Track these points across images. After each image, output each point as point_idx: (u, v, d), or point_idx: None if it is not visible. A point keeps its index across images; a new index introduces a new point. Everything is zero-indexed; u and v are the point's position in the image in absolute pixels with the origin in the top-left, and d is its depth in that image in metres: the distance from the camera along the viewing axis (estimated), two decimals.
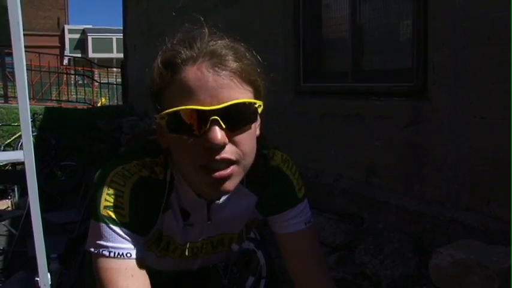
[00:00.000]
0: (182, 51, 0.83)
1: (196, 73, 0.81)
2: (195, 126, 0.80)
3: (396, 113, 2.99)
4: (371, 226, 3.10)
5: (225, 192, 0.87)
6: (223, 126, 0.79)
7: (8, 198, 5.66)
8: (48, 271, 1.96)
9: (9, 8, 1.47)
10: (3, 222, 4.45)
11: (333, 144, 3.55)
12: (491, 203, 2.42)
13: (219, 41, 0.85)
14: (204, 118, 0.79)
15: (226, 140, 0.80)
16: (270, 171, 1.03)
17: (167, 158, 0.95)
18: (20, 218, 4.12)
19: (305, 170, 3.68)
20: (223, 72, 0.81)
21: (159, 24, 7.50)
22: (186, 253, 1.06)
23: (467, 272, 2.07)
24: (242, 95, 0.82)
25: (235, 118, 0.81)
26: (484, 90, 2.43)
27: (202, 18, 0.90)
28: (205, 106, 0.79)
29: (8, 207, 5.45)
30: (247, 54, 0.87)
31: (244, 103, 0.82)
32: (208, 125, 0.79)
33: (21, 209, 4.47)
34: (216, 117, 0.79)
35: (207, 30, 0.87)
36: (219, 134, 0.78)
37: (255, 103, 0.84)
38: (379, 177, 3.15)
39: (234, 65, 0.82)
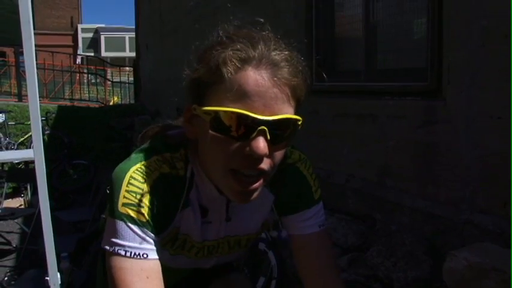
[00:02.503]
0: (244, 50, 0.81)
1: (257, 78, 0.79)
2: (242, 131, 0.79)
3: (410, 113, 2.95)
4: (384, 227, 3.06)
5: (247, 201, 0.86)
6: (268, 138, 0.79)
7: (21, 196, 5.73)
8: (59, 270, 1.96)
9: (19, 6, 1.47)
10: (16, 220, 4.50)
11: (345, 144, 3.51)
12: (508, 205, 2.37)
13: (283, 52, 0.83)
14: (253, 126, 0.78)
15: (268, 152, 0.79)
16: (287, 170, 1.02)
17: (188, 153, 0.93)
18: (32, 216, 4.16)
19: (317, 170, 3.61)
20: (281, 85, 0.80)
21: (172, 22, 7.51)
22: (202, 252, 1.04)
23: (483, 276, 2.03)
24: (290, 110, 0.82)
25: (280, 132, 0.81)
26: (501, 90, 2.37)
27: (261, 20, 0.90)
28: (257, 114, 0.78)
29: (21, 205, 5.51)
30: (304, 71, 0.87)
31: (292, 119, 0.82)
32: (255, 134, 0.78)
33: (34, 207, 4.52)
34: (265, 127, 0.78)
35: (272, 36, 0.86)
36: (263, 144, 0.78)
37: (299, 120, 0.84)
38: (392, 178, 3.10)
39: (292, 80, 0.82)
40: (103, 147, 7.58)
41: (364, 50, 3.40)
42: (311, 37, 3.84)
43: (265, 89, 0.79)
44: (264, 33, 0.86)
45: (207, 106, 0.81)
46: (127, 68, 15.19)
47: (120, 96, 13.67)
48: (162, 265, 0.88)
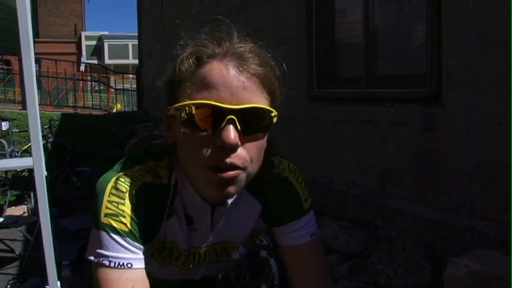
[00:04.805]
0: (210, 47, 0.84)
1: (221, 69, 0.81)
2: (211, 122, 0.79)
3: (410, 119, 2.95)
4: (384, 234, 3.05)
5: (227, 196, 0.86)
6: (239, 128, 0.79)
7: (25, 204, 5.73)
8: (60, 278, 1.97)
9: (18, 17, 1.49)
10: (19, 228, 4.51)
11: (346, 151, 3.51)
12: (509, 211, 2.36)
13: (247, 45, 0.85)
14: (221, 116, 0.78)
15: (239, 142, 0.79)
16: (276, 180, 1.01)
17: (172, 161, 0.94)
18: (35, 224, 4.16)
19: (318, 177, 3.65)
20: (248, 74, 0.81)
21: (174, 30, 7.54)
22: (189, 260, 1.04)
23: (484, 284, 2.02)
24: (261, 100, 0.82)
25: (251, 122, 0.81)
26: (500, 96, 2.37)
27: (226, 20, 0.92)
28: (225, 104, 0.78)
29: (24, 212, 5.52)
30: (272, 63, 0.87)
31: (262, 109, 0.82)
32: (224, 124, 0.78)
33: (37, 215, 4.52)
34: (233, 116, 0.78)
35: (236, 33, 0.87)
36: (233, 133, 0.78)
37: (272, 112, 0.84)
38: (393, 184, 3.10)
39: (258, 69, 0.82)
40: (106, 155, 7.58)
41: (364, 57, 3.41)
42: (311, 44, 3.85)
43: (230, 79, 0.80)
44: (229, 31, 0.88)
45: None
46: (130, 75, 15.27)
47: (123, 104, 13.73)
48: (151, 277, 0.88)
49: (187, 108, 0.80)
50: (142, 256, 0.88)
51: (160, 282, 1.02)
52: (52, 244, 1.70)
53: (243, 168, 0.82)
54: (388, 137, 3.11)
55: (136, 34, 10.94)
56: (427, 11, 2.81)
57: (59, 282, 1.83)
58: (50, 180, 1.71)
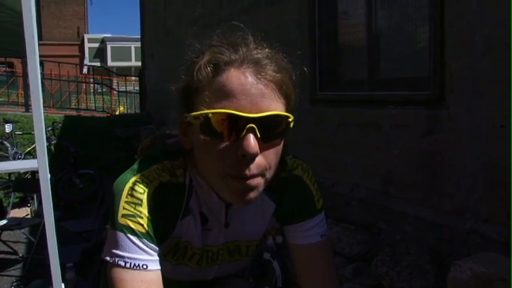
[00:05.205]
0: (227, 54, 0.83)
1: (240, 77, 0.80)
2: (231, 131, 0.79)
3: (413, 122, 2.95)
4: (388, 237, 3.05)
5: (248, 202, 0.86)
6: (258, 136, 0.79)
7: (28, 206, 5.75)
8: (63, 280, 1.97)
9: (24, 21, 1.49)
10: (22, 230, 4.52)
11: (349, 154, 3.51)
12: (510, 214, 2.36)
13: (264, 50, 0.85)
14: (240, 124, 0.79)
15: (259, 150, 0.79)
16: (290, 179, 1.02)
17: (186, 160, 0.94)
18: (38, 226, 4.17)
19: (321, 180, 3.64)
20: (265, 81, 0.81)
21: (176, 32, 7.56)
22: (203, 259, 1.04)
23: (488, 287, 2.01)
24: (278, 106, 0.83)
25: (270, 129, 0.81)
26: (503, 98, 2.37)
27: (242, 25, 0.91)
28: (244, 112, 0.78)
29: (28, 214, 5.53)
30: (288, 67, 0.88)
31: (280, 116, 0.82)
32: (244, 133, 0.78)
33: (40, 217, 4.53)
34: (253, 125, 0.78)
35: (251, 37, 0.87)
36: (253, 142, 0.78)
37: (289, 117, 0.84)
38: (397, 187, 3.10)
39: (276, 76, 0.82)
40: (109, 157, 7.60)
41: (367, 60, 3.42)
42: (314, 46, 3.86)
43: (249, 87, 0.80)
44: (244, 36, 0.88)
45: (195, 112, 0.83)
46: (133, 78, 15.30)
47: (126, 106, 13.76)
48: (163, 278, 0.88)
49: (207, 116, 0.80)
50: (157, 258, 0.88)
51: (171, 284, 1.03)
52: (56, 246, 1.71)
53: (262, 175, 0.83)
54: (391, 140, 3.11)
55: (139, 36, 10.97)
56: (430, 12, 2.81)
57: (63, 285, 1.83)
58: (53, 182, 1.71)
